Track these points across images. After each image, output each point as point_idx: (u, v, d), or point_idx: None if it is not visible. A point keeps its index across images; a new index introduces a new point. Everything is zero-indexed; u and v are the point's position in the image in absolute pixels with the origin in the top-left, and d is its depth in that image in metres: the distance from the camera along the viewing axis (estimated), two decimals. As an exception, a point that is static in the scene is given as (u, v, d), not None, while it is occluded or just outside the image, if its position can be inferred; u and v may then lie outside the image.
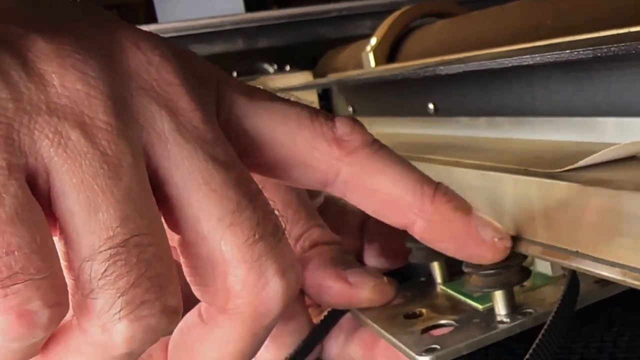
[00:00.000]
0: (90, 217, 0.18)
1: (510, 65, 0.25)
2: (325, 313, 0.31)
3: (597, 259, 0.22)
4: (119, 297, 0.18)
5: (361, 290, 0.28)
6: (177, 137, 0.20)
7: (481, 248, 0.25)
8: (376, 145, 0.24)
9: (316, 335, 0.30)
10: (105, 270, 0.18)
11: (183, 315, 0.21)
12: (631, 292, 0.27)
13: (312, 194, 0.35)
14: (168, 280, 0.19)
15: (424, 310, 0.29)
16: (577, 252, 0.23)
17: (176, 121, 0.20)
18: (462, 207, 0.25)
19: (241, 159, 0.22)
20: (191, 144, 0.20)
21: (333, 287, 0.28)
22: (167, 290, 0.19)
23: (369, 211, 0.25)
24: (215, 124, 0.22)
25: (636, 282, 0.20)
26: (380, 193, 0.24)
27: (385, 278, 0.29)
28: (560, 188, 0.23)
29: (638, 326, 0.31)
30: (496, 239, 0.25)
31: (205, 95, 0.22)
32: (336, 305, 0.30)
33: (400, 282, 0.31)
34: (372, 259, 0.35)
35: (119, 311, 0.18)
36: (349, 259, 0.30)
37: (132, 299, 0.18)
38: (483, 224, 0.25)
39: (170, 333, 0.23)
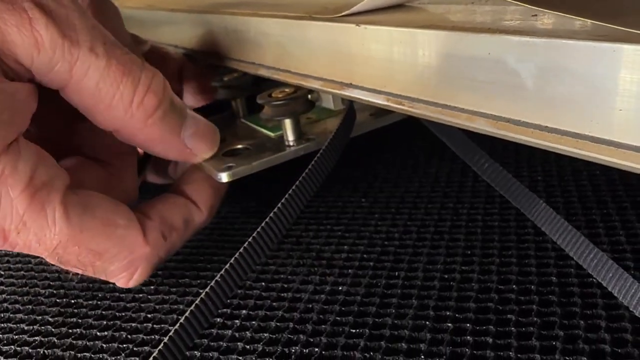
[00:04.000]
0: None
1: None
2: None
3: (367, 88, 0.24)
4: None
5: (198, 156, 0.29)
6: None
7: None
8: None
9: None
10: None
11: None
12: (401, 125, 0.32)
13: (138, 40, 0.37)
14: None
15: (226, 138, 0.32)
16: (350, 83, 0.25)
17: None
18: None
19: None
20: None
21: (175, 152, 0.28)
22: None
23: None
24: None
25: (398, 106, 0.23)
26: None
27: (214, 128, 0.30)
28: (337, 28, 0.25)
29: (407, 154, 0.36)
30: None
31: None
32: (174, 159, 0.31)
33: (209, 115, 0.34)
34: (189, 96, 0.39)
35: None
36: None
37: None
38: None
39: None
